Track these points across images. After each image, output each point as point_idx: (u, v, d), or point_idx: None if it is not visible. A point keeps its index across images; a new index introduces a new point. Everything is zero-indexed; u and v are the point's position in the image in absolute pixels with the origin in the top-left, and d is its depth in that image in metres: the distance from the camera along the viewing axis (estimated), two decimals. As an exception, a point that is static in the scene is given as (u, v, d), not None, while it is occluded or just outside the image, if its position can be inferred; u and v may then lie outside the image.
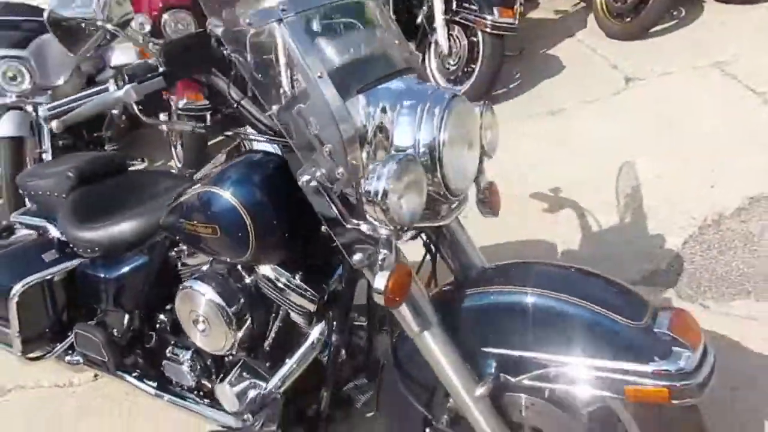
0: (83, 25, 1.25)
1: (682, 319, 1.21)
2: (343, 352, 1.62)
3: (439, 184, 1.22)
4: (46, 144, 3.79)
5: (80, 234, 1.89)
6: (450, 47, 3.83)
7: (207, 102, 3.47)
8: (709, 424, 1.26)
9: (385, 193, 1.09)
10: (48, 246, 2.00)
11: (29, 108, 3.72)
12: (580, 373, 1.20)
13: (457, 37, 3.82)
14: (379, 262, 1.16)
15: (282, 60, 1.19)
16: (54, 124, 1.27)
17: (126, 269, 1.87)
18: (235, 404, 1.56)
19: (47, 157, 3.77)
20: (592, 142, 3.22)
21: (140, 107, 1.29)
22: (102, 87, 1.28)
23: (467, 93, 3.85)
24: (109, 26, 1.24)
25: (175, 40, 1.41)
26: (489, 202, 1.51)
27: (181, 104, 3.74)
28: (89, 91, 1.32)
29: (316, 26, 1.24)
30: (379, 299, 1.16)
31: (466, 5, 3.66)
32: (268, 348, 1.60)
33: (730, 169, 2.73)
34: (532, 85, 4.02)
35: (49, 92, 3.85)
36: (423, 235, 1.49)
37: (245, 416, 1.58)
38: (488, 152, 1.42)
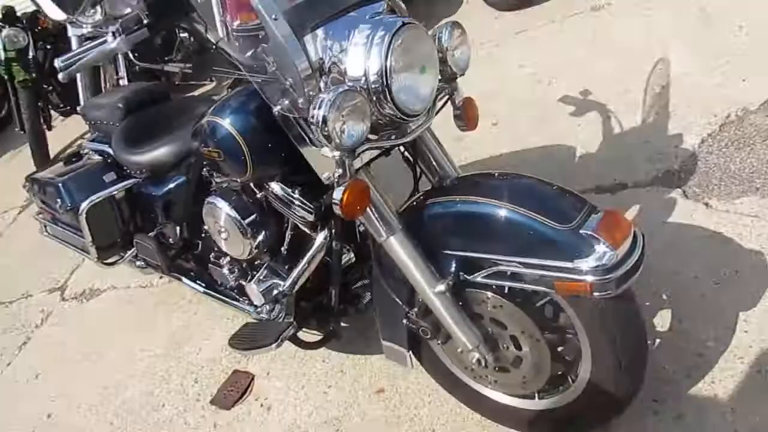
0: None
1: (609, 220, 1.32)
2: (352, 255, 1.87)
3: (393, 108, 1.34)
4: (122, 71, 4.15)
5: (129, 158, 2.18)
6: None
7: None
8: (676, 315, 1.40)
9: (325, 121, 1.24)
10: (108, 168, 2.31)
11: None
12: (520, 271, 1.37)
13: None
14: (335, 179, 1.35)
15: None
16: (61, 75, 1.51)
17: (169, 187, 2.14)
18: (260, 299, 1.84)
19: (123, 82, 4.14)
20: (630, 40, 3.15)
21: (135, 54, 1.50)
22: (101, 40, 1.49)
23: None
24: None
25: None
26: (464, 117, 1.63)
27: (235, 25, 3.94)
28: (92, 44, 1.52)
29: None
30: (338, 210, 1.35)
31: None
32: (285, 253, 1.84)
33: (764, 59, 2.63)
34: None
35: (120, 20, 4.16)
36: (402, 149, 1.67)
37: (267, 309, 1.88)
38: (456, 71, 1.54)
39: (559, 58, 3.25)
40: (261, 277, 1.87)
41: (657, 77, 2.79)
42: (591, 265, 1.27)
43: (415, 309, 1.59)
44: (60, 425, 2.40)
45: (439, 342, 1.65)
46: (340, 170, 1.34)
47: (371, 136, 1.39)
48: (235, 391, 2.30)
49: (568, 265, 1.29)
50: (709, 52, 2.82)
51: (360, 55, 1.32)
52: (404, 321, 1.62)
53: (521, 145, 2.78)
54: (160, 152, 2.10)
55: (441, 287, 1.48)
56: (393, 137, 1.45)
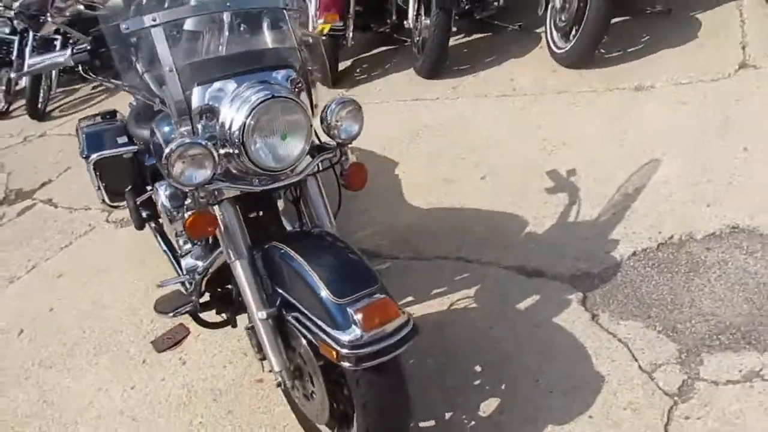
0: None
1: (376, 306, 1.55)
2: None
3: (249, 162, 1.65)
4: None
5: (133, 130, 2.63)
6: (563, 3, 3.79)
7: (342, 24, 4.04)
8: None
9: (168, 160, 1.57)
10: (124, 133, 2.79)
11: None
12: (307, 323, 1.64)
13: (574, -8, 3.75)
14: (187, 206, 1.69)
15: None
16: (13, 75, 1.96)
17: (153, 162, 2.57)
18: (182, 273, 2.31)
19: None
20: (645, 130, 3.14)
21: (85, 67, 1.88)
22: (57, 53, 1.91)
23: (568, 52, 3.82)
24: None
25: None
26: (349, 180, 1.90)
27: (318, 22, 4.34)
28: (47, 56, 1.95)
29: (178, 34, 1.72)
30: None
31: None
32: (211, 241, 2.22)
33: (741, 191, 2.58)
34: (651, 51, 3.81)
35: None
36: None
37: (187, 283, 2.26)
38: (345, 141, 1.82)
39: (576, 129, 3.30)
40: (191, 255, 2.27)
41: (638, 177, 2.81)
42: (343, 338, 1.53)
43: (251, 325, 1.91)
44: (55, 320, 2.95)
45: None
46: (189, 200, 1.67)
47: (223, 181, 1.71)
48: (171, 339, 2.75)
49: (330, 331, 1.55)
50: (702, 165, 2.77)
51: (229, 114, 1.65)
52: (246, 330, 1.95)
53: (486, 204, 2.94)
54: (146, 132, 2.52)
55: (263, 314, 1.77)
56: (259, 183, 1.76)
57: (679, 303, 2.19)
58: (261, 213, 1.98)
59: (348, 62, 5.12)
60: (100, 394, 2.48)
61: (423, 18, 4.27)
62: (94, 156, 2.70)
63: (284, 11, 1.85)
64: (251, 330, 1.89)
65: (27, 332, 2.93)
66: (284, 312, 1.76)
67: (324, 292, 1.59)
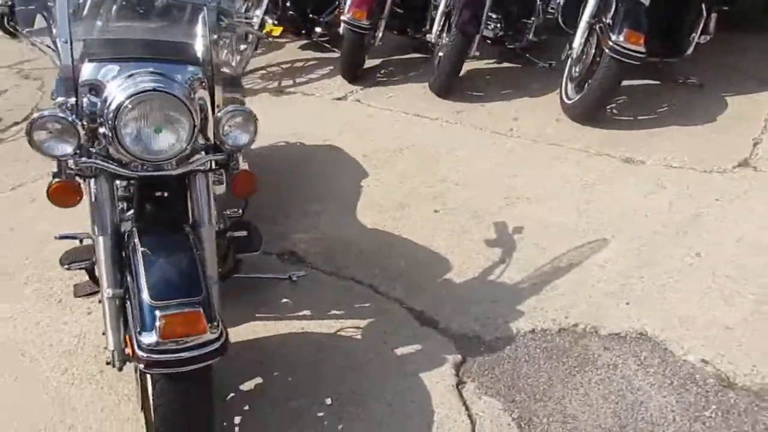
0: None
1: (185, 317, 1.58)
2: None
3: (119, 147, 1.67)
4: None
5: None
6: (581, 53, 3.62)
7: (369, 22, 4.02)
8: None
9: (30, 128, 1.61)
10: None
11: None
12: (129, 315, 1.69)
13: (592, 46, 3.58)
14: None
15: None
16: None
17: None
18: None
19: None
20: (611, 205, 3.00)
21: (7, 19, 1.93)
22: None
23: (575, 105, 3.67)
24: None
25: None
26: (235, 186, 1.92)
27: (345, 17, 4.32)
28: None
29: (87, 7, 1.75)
30: None
31: (603, 17, 3.39)
32: None
33: (668, 299, 2.42)
34: (661, 124, 3.61)
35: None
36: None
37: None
38: (233, 148, 1.82)
39: (546, 187, 3.18)
40: None
41: (577, 253, 2.68)
42: (142, 339, 1.57)
43: None
44: (10, 239, 3.09)
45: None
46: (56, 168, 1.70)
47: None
48: (89, 287, 2.82)
49: (137, 329, 1.59)
50: (645, 258, 2.62)
51: (111, 96, 1.67)
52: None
53: (423, 239, 2.87)
54: None
55: (109, 292, 1.79)
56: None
57: (548, 396, 2.08)
58: (166, 194, 2.00)
59: (377, 61, 5.07)
60: (8, 322, 2.58)
61: (445, 35, 4.18)
62: None
63: (204, 7, 1.85)
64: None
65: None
66: (126, 297, 1.78)
67: (144, 292, 1.60)
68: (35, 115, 1.62)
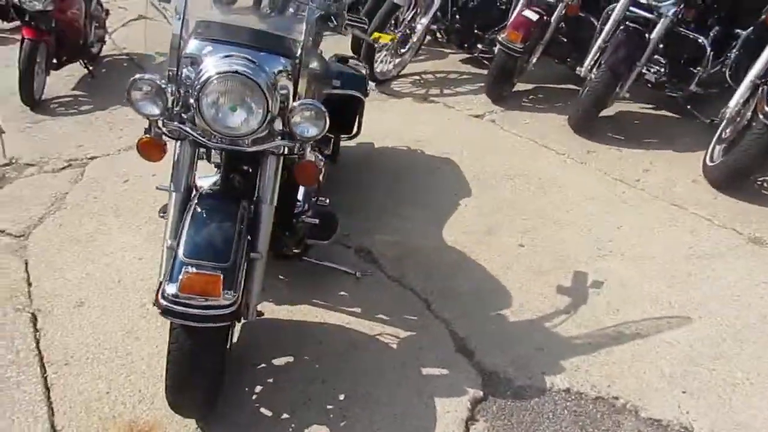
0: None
1: (205, 278, 1.73)
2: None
3: (200, 118, 1.86)
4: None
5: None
6: (736, 114, 3.26)
7: (522, 46, 4.03)
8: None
9: (128, 87, 1.83)
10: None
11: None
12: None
13: (750, 108, 3.20)
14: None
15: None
16: None
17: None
18: None
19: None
20: (718, 284, 2.69)
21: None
22: None
23: (717, 168, 3.33)
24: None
25: None
26: (297, 175, 2.06)
27: (500, 37, 4.31)
28: None
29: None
30: None
31: None
32: None
33: (738, 402, 2.14)
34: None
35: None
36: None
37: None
38: (301, 138, 1.94)
39: (648, 248, 2.93)
40: None
41: (654, 323, 2.44)
42: (166, 288, 1.76)
43: None
44: (146, 185, 3.55)
45: None
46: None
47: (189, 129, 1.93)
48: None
49: (166, 278, 1.78)
50: (729, 353, 2.31)
51: (203, 71, 1.86)
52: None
53: (496, 269, 2.79)
54: None
55: (168, 242, 1.99)
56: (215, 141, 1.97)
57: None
58: (249, 169, 2.19)
59: (529, 86, 4.96)
60: (122, 252, 2.96)
61: (595, 71, 3.98)
62: None
63: (308, 5, 1.98)
64: None
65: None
66: None
67: (181, 247, 1.78)
68: (136, 76, 1.86)
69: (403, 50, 5.21)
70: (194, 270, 1.73)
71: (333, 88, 3.11)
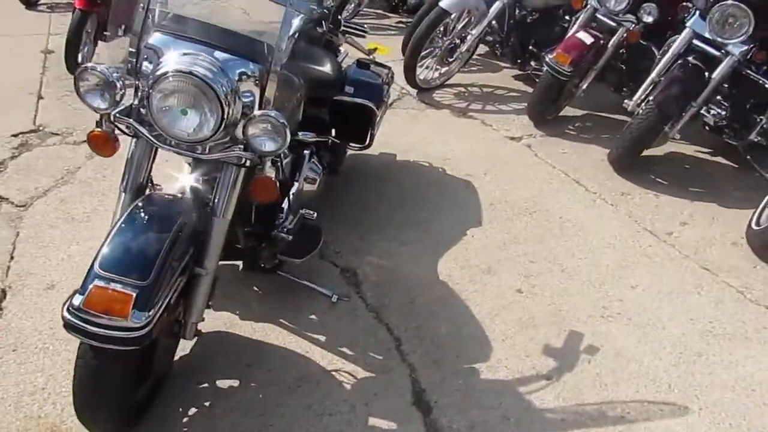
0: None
1: (112, 295, 1.56)
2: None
3: (151, 118, 1.71)
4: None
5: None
6: None
7: (571, 69, 3.73)
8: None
9: (77, 76, 1.70)
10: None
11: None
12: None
13: None
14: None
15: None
16: None
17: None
18: None
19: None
20: (734, 372, 2.31)
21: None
22: None
23: (760, 233, 2.93)
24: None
25: None
26: (252, 189, 1.87)
27: (548, 58, 3.98)
28: None
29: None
30: None
31: None
32: None
33: None
34: None
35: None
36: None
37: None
38: (253, 148, 1.76)
39: (660, 313, 2.56)
40: None
41: (644, 408, 2.10)
42: (73, 298, 1.59)
43: None
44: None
45: None
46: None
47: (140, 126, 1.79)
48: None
49: (78, 288, 1.61)
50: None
51: (159, 66, 1.71)
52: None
53: (484, 312, 2.51)
54: None
55: None
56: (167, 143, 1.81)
57: None
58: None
59: (579, 112, 4.60)
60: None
61: (643, 106, 3.59)
62: None
63: (286, 8, 1.78)
64: None
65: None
66: None
67: (98, 257, 1.62)
68: (86, 64, 1.71)
69: (450, 59, 4.94)
70: (104, 284, 1.56)
71: (345, 95, 2.91)
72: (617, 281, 2.77)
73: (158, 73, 1.68)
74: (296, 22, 1.89)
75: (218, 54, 1.76)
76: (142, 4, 1.77)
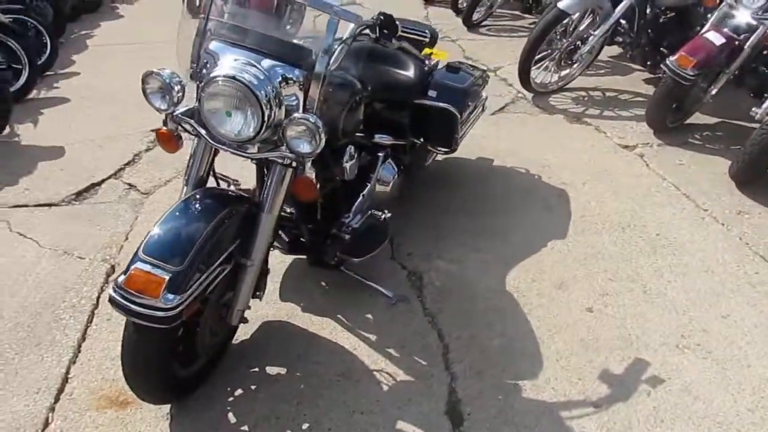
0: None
1: (149, 277, 1.69)
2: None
3: (203, 116, 1.86)
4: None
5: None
6: None
7: (693, 72, 3.50)
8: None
9: (143, 79, 1.90)
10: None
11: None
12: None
13: None
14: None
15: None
16: None
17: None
18: None
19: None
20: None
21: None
22: None
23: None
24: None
25: None
26: (294, 189, 1.97)
27: (669, 60, 3.66)
28: None
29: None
30: None
31: None
32: None
33: None
34: None
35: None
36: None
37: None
38: (290, 146, 1.84)
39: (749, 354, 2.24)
40: None
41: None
42: (119, 276, 1.76)
43: None
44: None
45: None
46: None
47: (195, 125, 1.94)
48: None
49: (125, 268, 1.76)
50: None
51: (211, 71, 1.85)
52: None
53: (544, 331, 2.37)
54: None
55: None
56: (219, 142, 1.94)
57: None
58: None
59: (712, 120, 4.14)
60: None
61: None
62: None
63: (333, 16, 1.83)
64: None
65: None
66: None
67: (144, 242, 1.79)
68: (151, 69, 1.90)
69: (570, 62, 4.69)
70: (143, 267, 1.72)
71: (427, 99, 2.90)
72: (706, 309, 2.47)
73: (208, 77, 1.82)
74: (349, 29, 1.93)
75: (266, 60, 1.85)
76: (203, 15, 1.92)
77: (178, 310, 1.72)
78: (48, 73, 5.24)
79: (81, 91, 4.90)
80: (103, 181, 3.55)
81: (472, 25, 6.62)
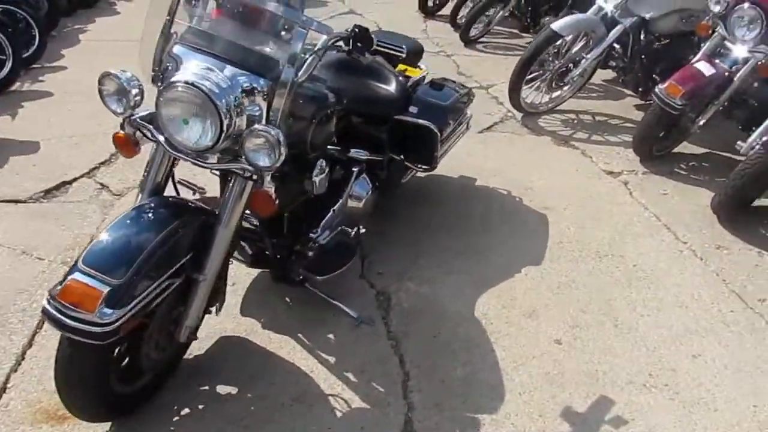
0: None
1: (83, 289, 1.61)
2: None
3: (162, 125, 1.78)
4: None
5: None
6: None
7: (684, 102, 3.44)
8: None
9: (100, 79, 1.82)
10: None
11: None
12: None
13: None
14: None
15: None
16: None
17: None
18: None
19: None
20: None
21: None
22: None
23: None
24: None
25: None
26: (252, 203, 1.89)
27: (658, 88, 3.59)
28: None
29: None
30: None
31: None
32: None
33: None
34: None
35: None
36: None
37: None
38: (249, 158, 1.76)
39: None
40: None
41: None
42: (54, 286, 1.66)
43: None
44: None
45: None
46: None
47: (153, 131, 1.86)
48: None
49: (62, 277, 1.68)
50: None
51: (171, 76, 1.77)
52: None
53: (511, 362, 2.28)
54: None
55: None
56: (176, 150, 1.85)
57: None
58: None
59: (699, 150, 4.08)
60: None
61: (758, 148, 3.07)
62: None
63: (301, 27, 1.76)
64: None
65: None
66: None
67: (85, 251, 1.70)
68: (108, 71, 1.81)
69: (561, 84, 4.63)
70: (80, 278, 1.63)
71: (407, 115, 2.82)
72: (677, 347, 2.39)
73: (167, 82, 1.74)
74: (321, 41, 1.86)
75: (229, 68, 1.78)
76: (168, 16, 1.84)
77: (115, 325, 1.63)
78: (34, 65, 5.15)
79: (66, 86, 4.81)
80: (75, 179, 3.46)
81: (469, 41, 6.56)
